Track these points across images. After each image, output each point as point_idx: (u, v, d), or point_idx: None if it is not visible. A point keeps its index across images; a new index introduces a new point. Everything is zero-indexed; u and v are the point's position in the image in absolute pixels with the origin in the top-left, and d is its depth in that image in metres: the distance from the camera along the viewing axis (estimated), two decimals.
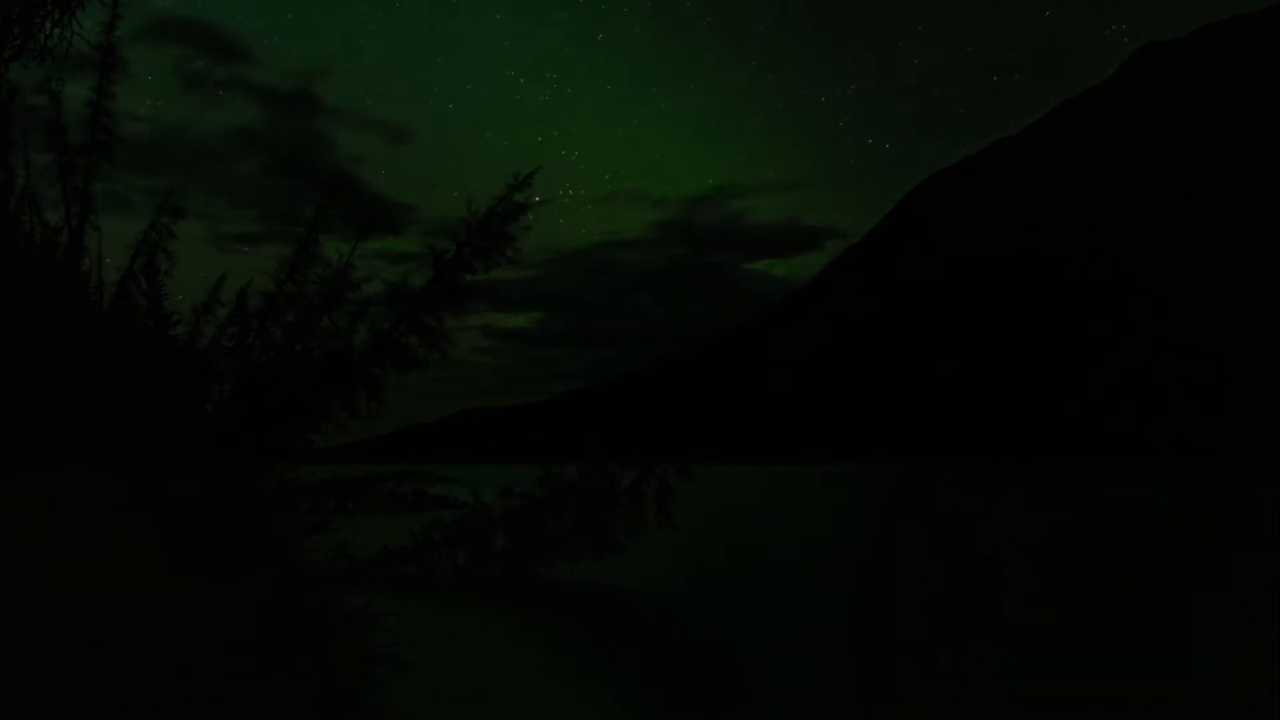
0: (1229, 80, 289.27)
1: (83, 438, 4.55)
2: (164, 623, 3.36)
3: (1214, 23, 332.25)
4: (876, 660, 6.97)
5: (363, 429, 6.98)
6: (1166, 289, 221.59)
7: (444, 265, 7.13)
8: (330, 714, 3.86)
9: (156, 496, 4.15)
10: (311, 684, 3.76)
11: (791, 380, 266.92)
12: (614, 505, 11.28)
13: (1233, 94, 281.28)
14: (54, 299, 5.66)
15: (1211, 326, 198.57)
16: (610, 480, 11.41)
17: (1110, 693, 5.85)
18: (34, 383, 4.74)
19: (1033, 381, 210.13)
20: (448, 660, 6.76)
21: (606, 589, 10.55)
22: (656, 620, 9.04)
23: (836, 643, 7.69)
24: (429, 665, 6.09)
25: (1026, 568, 12.73)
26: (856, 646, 7.52)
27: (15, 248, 5.80)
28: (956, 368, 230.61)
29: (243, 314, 6.84)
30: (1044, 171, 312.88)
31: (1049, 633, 7.94)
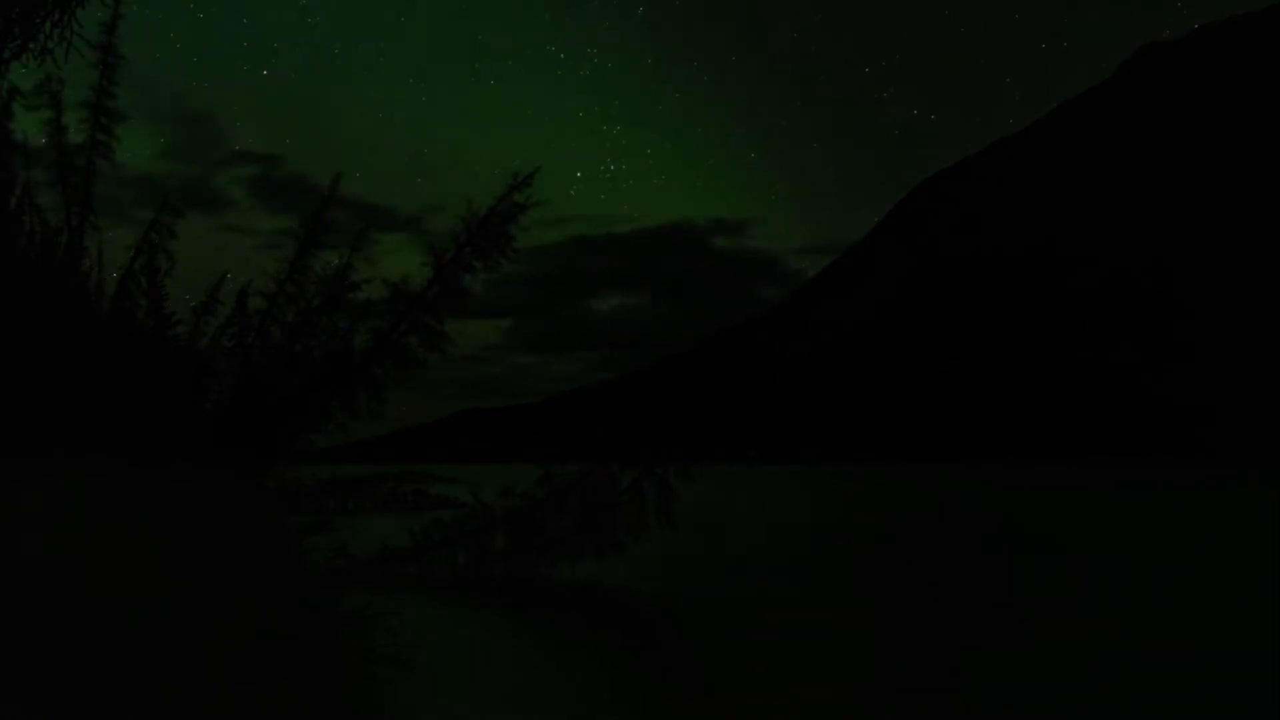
0: (1229, 80, 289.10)
1: (82, 438, 4.55)
2: (164, 623, 3.36)
3: (1214, 22, 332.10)
4: (875, 659, 6.97)
5: (363, 429, 6.98)
6: (1167, 289, 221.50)
7: (444, 265, 7.13)
8: (330, 714, 3.86)
9: (156, 496, 4.15)
10: (311, 684, 3.76)
11: (791, 380, 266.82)
12: (615, 505, 11.27)
13: (1233, 94, 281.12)
14: (54, 299, 5.65)
15: (1212, 326, 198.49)
16: (611, 480, 11.41)
17: (1106, 692, 5.85)
18: (34, 383, 4.73)
19: (1032, 381, 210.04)
20: (448, 660, 6.76)
21: (606, 589, 10.55)
22: (656, 620, 9.04)
23: (835, 642, 7.69)
24: (429, 665, 6.08)
25: (1024, 567, 12.73)
26: (855, 646, 7.52)
27: (15, 248, 5.80)
28: (957, 367, 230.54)
29: (243, 314, 6.84)
30: (1044, 171, 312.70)
31: (1045, 632, 7.93)
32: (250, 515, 4.92)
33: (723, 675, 6.57)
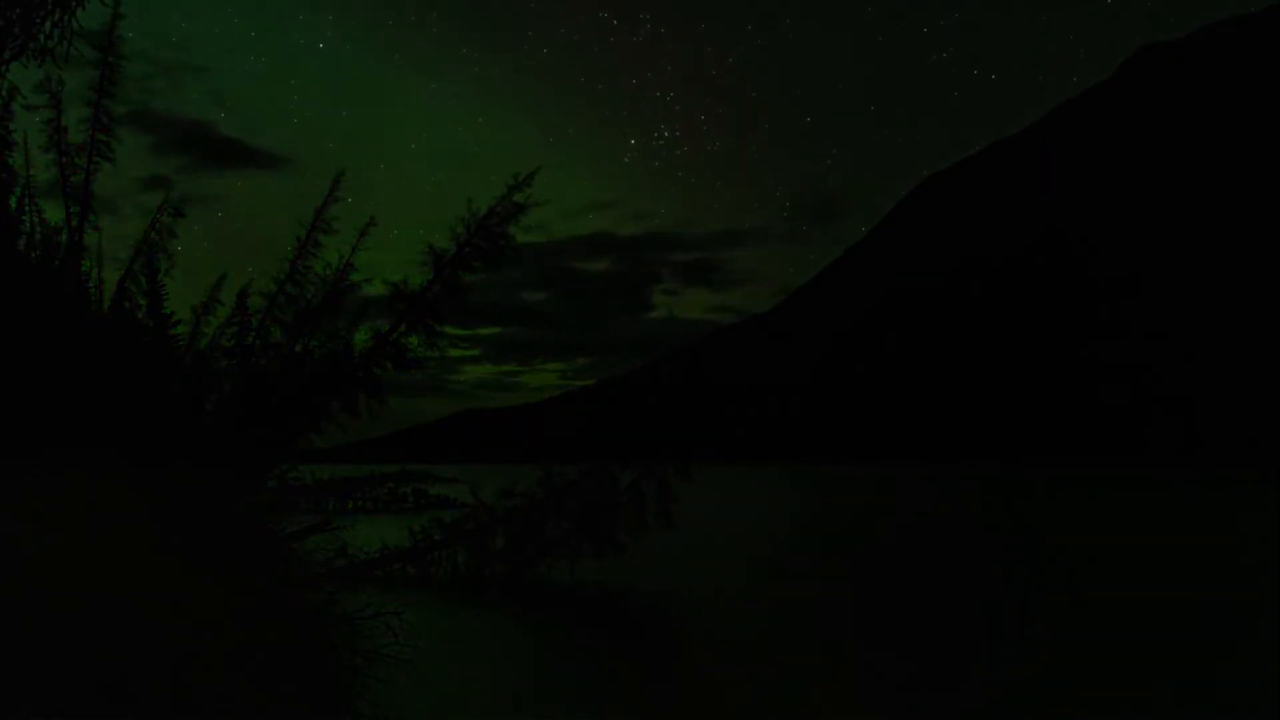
0: (1229, 81, 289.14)
1: (83, 438, 4.55)
2: (163, 622, 3.36)
3: (1214, 23, 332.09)
4: (874, 660, 6.97)
5: (363, 429, 6.97)
6: (1166, 289, 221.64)
7: (443, 265, 7.12)
8: (330, 714, 3.86)
9: (156, 496, 4.15)
10: (311, 684, 3.76)
11: (792, 380, 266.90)
12: (614, 505, 11.27)
13: (1233, 94, 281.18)
14: (54, 299, 5.66)
15: (1211, 326, 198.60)
16: (610, 480, 11.41)
17: (1102, 692, 5.85)
18: (34, 383, 4.74)
19: (1033, 381, 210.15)
20: (448, 660, 6.76)
21: (607, 589, 10.55)
22: (657, 620, 9.04)
23: (834, 643, 7.69)
24: (429, 665, 6.09)
25: (1022, 567, 12.74)
26: (854, 646, 7.52)
27: (15, 248, 5.80)
28: (958, 366, 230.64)
29: (243, 314, 6.84)
30: (1044, 171, 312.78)
31: (1043, 632, 7.93)
32: (250, 515, 4.93)
33: (722, 676, 6.56)
